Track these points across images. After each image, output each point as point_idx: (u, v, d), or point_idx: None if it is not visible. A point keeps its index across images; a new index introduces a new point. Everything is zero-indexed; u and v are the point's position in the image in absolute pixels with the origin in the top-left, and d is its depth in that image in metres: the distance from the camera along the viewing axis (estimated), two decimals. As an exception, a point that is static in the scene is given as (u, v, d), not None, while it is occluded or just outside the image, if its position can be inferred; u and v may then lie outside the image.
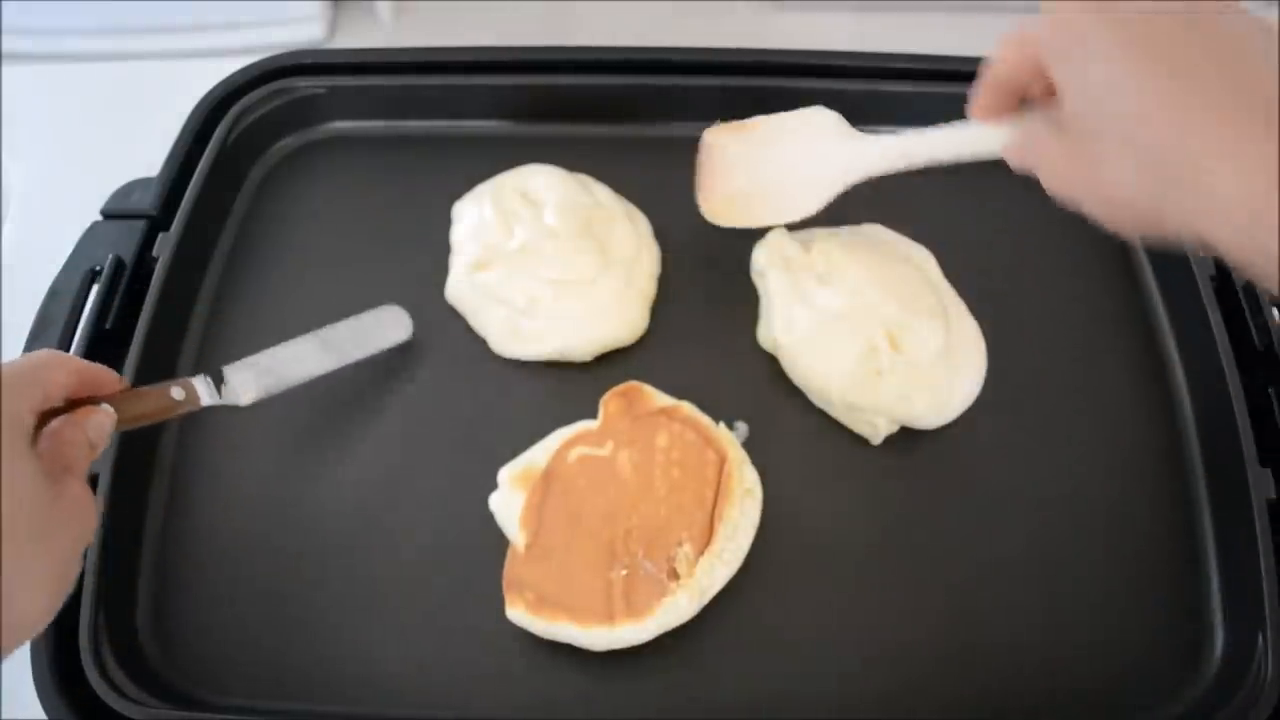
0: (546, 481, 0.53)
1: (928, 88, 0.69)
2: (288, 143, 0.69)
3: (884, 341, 0.57)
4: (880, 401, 0.56)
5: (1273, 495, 0.52)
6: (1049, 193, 0.42)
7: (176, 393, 0.49)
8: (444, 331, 0.61)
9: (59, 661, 0.49)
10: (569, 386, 0.58)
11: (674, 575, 0.50)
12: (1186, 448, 0.57)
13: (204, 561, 0.54)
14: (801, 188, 0.51)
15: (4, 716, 0.52)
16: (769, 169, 0.51)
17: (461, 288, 0.61)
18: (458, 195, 0.64)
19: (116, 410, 0.45)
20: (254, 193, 0.68)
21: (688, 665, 0.51)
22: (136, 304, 0.58)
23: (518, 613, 0.50)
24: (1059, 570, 0.54)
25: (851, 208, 0.64)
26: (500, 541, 0.53)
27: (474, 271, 0.60)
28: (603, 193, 0.64)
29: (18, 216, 0.71)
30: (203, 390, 0.50)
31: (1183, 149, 0.34)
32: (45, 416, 0.42)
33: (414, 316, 0.60)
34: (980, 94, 0.45)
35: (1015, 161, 0.45)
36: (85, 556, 0.43)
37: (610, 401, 0.55)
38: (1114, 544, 0.55)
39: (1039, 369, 0.60)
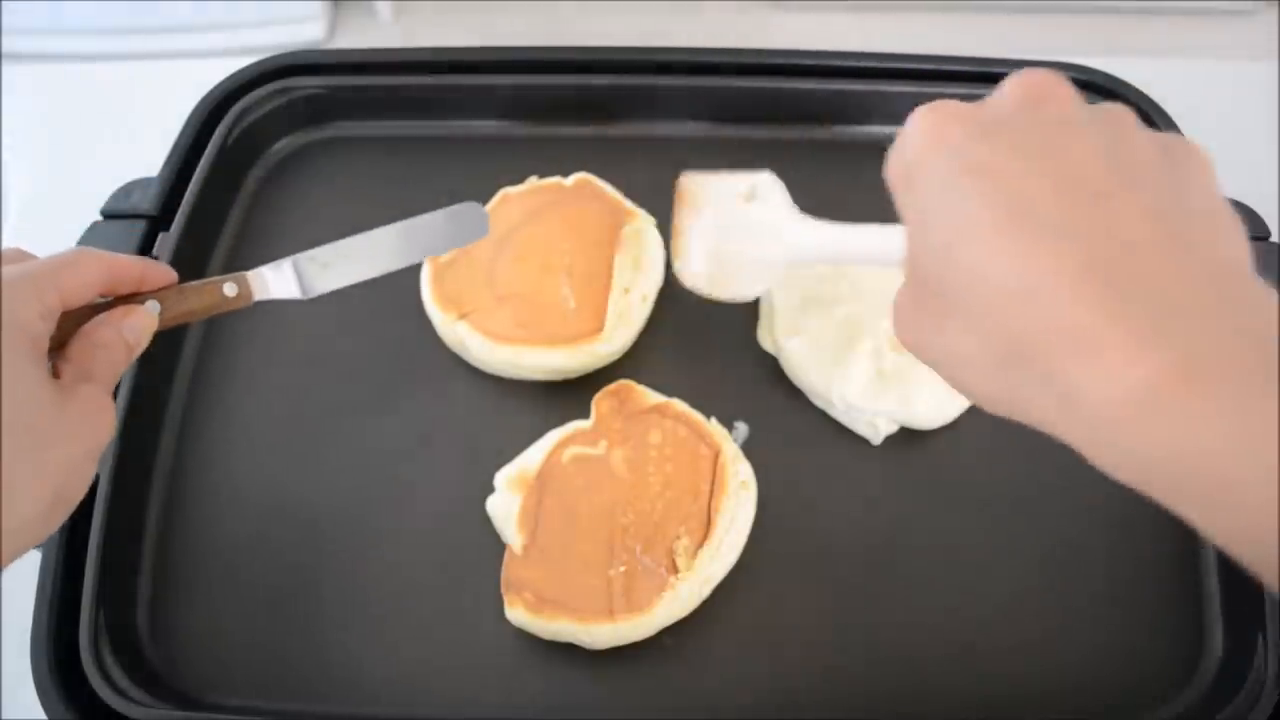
0: (542, 482, 0.53)
1: (928, 88, 0.68)
2: (288, 143, 0.69)
3: (884, 342, 0.57)
4: (880, 401, 0.56)
5: (1273, 495, 0.52)
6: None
7: (229, 288, 0.46)
8: (438, 335, 0.61)
9: (59, 661, 0.49)
10: (561, 388, 0.58)
11: (673, 569, 0.50)
12: (1186, 448, 0.57)
13: (204, 562, 0.54)
14: (752, 270, 0.52)
15: (4, 717, 0.52)
16: (727, 249, 0.52)
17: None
18: (457, 195, 0.64)
19: (162, 307, 0.44)
20: (254, 193, 0.68)
21: (688, 665, 0.51)
22: (136, 304, 0.58)
23: (517, 613, 0.50)
24: (1059, 570, 0.54)
25: (852, 208, 0.64)
26: (499, 543, 0.53)
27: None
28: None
29: (18, 216, 0.71)
30: (257, 285, 0.47)
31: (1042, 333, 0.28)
32: (83, 315, 0.41)
33: (411, 320, 0.60)
34: None
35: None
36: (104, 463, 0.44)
37: (602, 401, 0.55)
38: (1114, 544, 0.55)
39: (1039, 369, 0.60)
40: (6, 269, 0.39)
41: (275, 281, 0.47)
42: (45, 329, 0.39)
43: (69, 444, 0.38)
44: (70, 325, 0.41)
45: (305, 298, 0.48)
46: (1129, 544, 0.55)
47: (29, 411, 0.37)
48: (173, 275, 0.45)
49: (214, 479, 0.57)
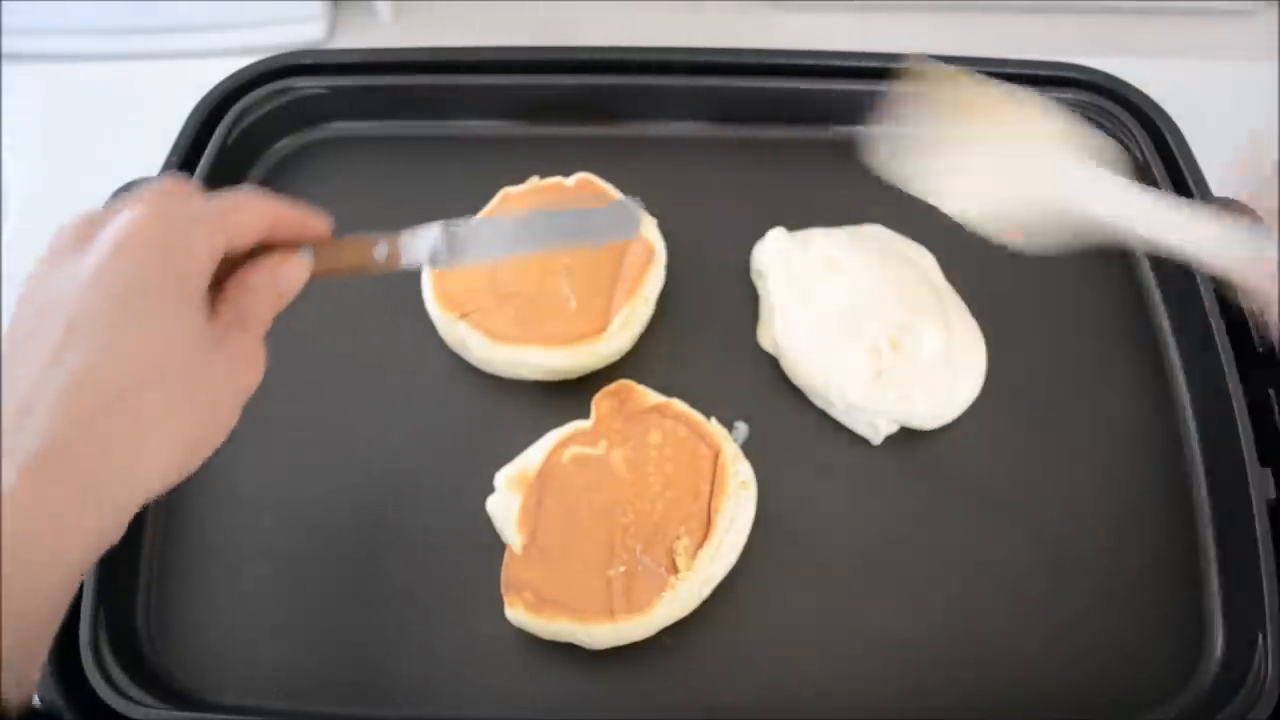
0: (542, 482, 0.53)
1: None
2: (288, 143, 0.69)
3: (884, 342, 0.57)
4: (880, 401, 0.56)
5: (1273, 495, 0.52)
6: None
7: (380, 250, 0.45)
8: (438, 335, 0.61)
9: (59, 661, 0.49)
10: (561, 388, 0.58)
11: (673, 569, 0.50)
12: (1187, 448, 0.57)
13: (204, 561, 0.54)
14: (1014, 197, 0.46)
15: (4, 716, 0.52)
16: (988, 162, 0.47)
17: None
18: (457, 195, 0.64)
19: (315, 259, 0.43)
20: (254, 193, 0.68)
21: (688, 665, 0.51)
22: (136, 304, 0.58)
23: (517, 613, 0.50)
24: (1059, 570, 0.54)
25: (851, 207, 0.64)
26: (499, 543, 0.53)
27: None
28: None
29: (18, 216, 0.71)
30: (407, 249, 0.46)
31: None
32: (240, 259, 0.41)
33: (412, 320, 0.60)
34: None
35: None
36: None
37: (602, 401, 0.55)
38: (1114, 544, 0.55)
39: (1039, 369, 0.60)
40: (179, 206, 0.39)
41: (424, 246, 0.46)
42: (210, 268, 0.39)
43: (219, 386, 0.39)
44: (226, 266, 0.41)
45: (448, 266, 0.47)
46: (1129, 544, 0.55)
47: (186, 350, 0.37)
48: (328, 229, 0.45)
49: (214, 479, 0.57)
